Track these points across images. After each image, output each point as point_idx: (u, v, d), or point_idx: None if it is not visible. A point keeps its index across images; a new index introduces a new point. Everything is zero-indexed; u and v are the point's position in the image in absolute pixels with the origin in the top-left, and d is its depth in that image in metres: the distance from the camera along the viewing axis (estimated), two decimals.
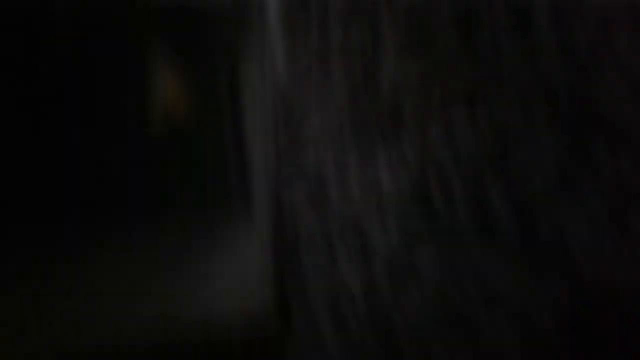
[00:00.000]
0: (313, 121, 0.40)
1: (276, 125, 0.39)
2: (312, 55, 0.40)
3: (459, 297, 0.32)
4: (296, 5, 0.39)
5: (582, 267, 0.28)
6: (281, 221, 0.38)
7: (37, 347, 0.31)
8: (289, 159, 0.38)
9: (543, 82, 0.29)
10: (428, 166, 0.33)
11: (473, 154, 0.31)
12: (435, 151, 0.33)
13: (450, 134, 0.32)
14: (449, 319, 0.32)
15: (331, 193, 0.38)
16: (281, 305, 0.37)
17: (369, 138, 0.36)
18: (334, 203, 0.38)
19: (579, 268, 0.28)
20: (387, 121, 0.35)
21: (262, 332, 0.36)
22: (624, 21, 0.25)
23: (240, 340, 0.37)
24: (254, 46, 0.36)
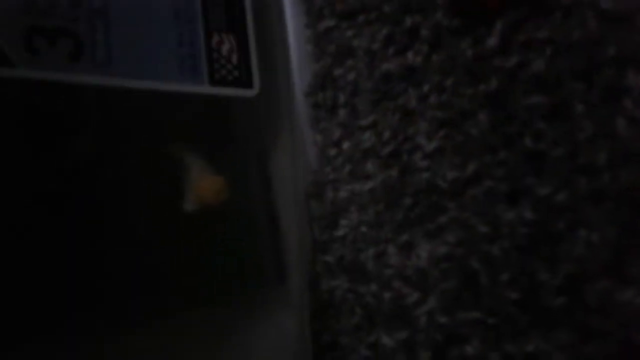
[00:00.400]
0: (343, 195, 0.41)
1: (308, 198, 0.41)
2: (342, 134, 0.41)
3: None
4: (324, 84, 0.40)
5: (631, 333, 0.28)
6: (316, 284, 0.38)
7: None
8: (322, 227, 0.39)
9: (582, 163, 0.30)
10: (471, 246, 0.34)
11: (518, 234, 0.32)
12: (478, 234, 0.33)
13: (492, 218, 0.33)
14: None
15: (367, 261, 0.39)
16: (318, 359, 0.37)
17: (408, 223, 0.37)
18: (370, 269, 0.38)
19: (623, 332, 0.28)
20: (425, 206, 0.36)
21: None
22: None
23: None
24: (283, 128, 0.38)
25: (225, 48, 0.42)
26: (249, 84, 0.42)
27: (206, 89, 0.41)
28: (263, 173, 0.44)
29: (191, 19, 0.41)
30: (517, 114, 0.32)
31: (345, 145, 0.42)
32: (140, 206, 0.42)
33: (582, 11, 0.31)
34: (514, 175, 0.32)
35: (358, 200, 0.41)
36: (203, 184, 0.42)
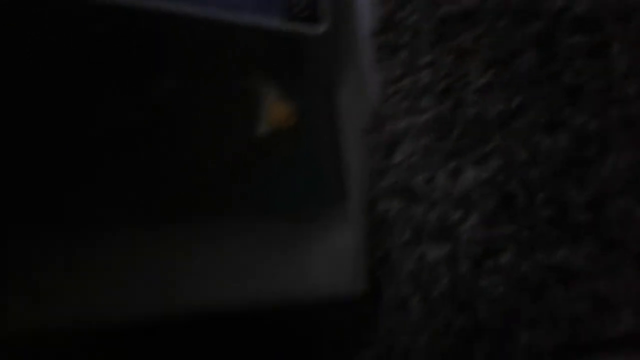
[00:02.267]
0: (400, 127, 0.45)
1: (369, 130, 0.45)
2: (403, 73, 0.45)
3: (535, 275, 0.36)
4: (388, 27, 0.44)
5: None
6: (372, 206, 0.43)
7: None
8: (380, 156, 0.43)
9: (615, 95, 0.33)
10: (511, 171, 0.38)
11: (553, 160, 0.36)
12: (519, 161, 0.37)
13: (532, 146, 0.37)
14: (527, 297, 0.36)
15: (418, 185, 0.43)
16: (371, 274, 0.41)
17: (456, 152, 0.41)
18: (420, 192, 0.42)
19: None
20: (473, 137, 0.40)
21: (355, 295, 0.41)
22: None
23: (336, 302, 0.42)
24: (348, 64, 0.41)
25: None
26: (319, 22, 0.46)
27: (281, 24, 0.45)
28: (330, 104, 0.48)
29: None
30: (560, 52, 0.36)
31: (405, 82, 0.46)
32: (220, 129, 0.47)
33: None
34: (553, 108, 0.35)
35: (413, 132, 0.45)
36: (275, 110, 0.47)
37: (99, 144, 0.42)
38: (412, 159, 0.45)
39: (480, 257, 0.39)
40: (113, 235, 0.44)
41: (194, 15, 0.43)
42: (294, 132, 0.48)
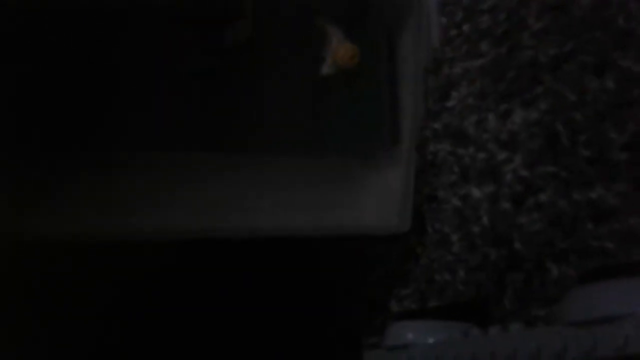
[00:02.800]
0: (457, 71, 0.46)
1: (427, 73, 0.47)
2: (464, 17, 0.46)
3: (570, 212, 0.37)
4: None
5: None
6: (423, 147, 0.44)
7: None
8: (435, 98, 0.45)
9: None
10: (559, 112, 0.39)
11: (599, 102, 0.37)
12: (567, 102, 0.38)
13: (580, 88, 0.38)
14: (561, 232, 0.38)
15: (469, 127, 0.45)
16: (417, 210, 0.43)
17: (508, 94, 0.42)
18: (471, 134, 0.44)
19: None
20: (526, 79, 0.41)
21: (402, 231, 0.43)
22: None
23: (385, 236, 0.44)
24: (411, 7, 0.42)
25: None
26: None
27: None
28: (391, 47, 0.50)
29: None
30: None
31: (466, 26, 0.47)
32: (288, 68, 0.50)
33: None
34: (603, 51, 0.36)
35: (469, 76, 0.46)
36: (340, 51, 0.49)
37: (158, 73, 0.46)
38: (465, 102, 0.46)
39: (521, 196, 0.41)
40: (176, 159, 0.47)
41: None
42: (356, 72, 0.50)
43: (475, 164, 0.45)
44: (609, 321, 0.27)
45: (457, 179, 0.46)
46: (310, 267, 0.55)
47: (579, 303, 0.29)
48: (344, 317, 0.52)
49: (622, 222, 0.34)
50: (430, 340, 0.37)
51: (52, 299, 0.44)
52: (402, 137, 0.51)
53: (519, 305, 0.39)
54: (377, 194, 0.51)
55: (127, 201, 0.44)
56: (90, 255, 0.45)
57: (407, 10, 0.49)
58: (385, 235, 0.50)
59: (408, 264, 0.49)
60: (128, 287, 0.45)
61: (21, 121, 0.42)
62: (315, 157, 0.51)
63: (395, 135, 0.51)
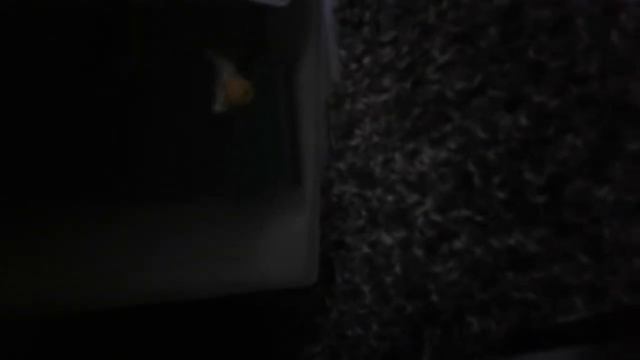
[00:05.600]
0: (360, 107, 0.43)
1: (328, 109, 0.43)
2: (364, 50, 0.43)
3: (488, 260, 0.34)
4: (351, 2, 0.43)
5: (603, 229, 0.30)
6: (328, 189, 0.41)
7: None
8: (338, 136, 0.42)
9: (578, 76, 0.32)
10: (469, 151, 0.36)
11: (512, 139, 0.34)
12: (477, 140, 0.36)
13: (491, 125, 0.35)
14: (480, 282, 0.35)
15: (375, 168, 0.41)
16: (324, 258, 0.40)
17: (415, 132, 0.39)
18: (377, 175, 0.41)
19: (600, 229, 0.30)
20: (432, 116, 0.39)
21: (307, 281, 0.40)
22: None
23: (290, 288, 0.40)
24: (309, 40, 0.40)
25: None
26: None
27: None
28: (289, 82, 0.47)
29: None
30: (525, 27, 0.34)
31: (366, 60, 0.44)
32: (176, 105, 0.45)
33: None
34: (515, 85, 0.34)
35: (372, 112, 0.43)
36: (232, 86, 0.45)
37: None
38: (370, 140, 0.43)
39: (434, 242, 0.38)
40: (62, 216, 0.42)
41: None
42: (253, 109, 0.46)
43: (383, 207, 0.41)
44: None
45: (365, 223, 0.42)
46: (213, 327, 0.50)
47: None
48: None
49: (545, 270, 0.31)
50: None
51: None
52: (304, 178, 0.47)
53: None
54: (281, 242, 0.47)
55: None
56: None
57: (303, 44, 0.46)
58: (291, 286, 0.46)
59: (318, 318, 0.45)
60: None
61: None
62: (213, 204, 0.46)
63: (298, 176, 0.47)
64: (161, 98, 0.44)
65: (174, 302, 0.43)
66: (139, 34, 0.44)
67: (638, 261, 0.28)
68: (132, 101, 0.43)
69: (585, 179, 0.30)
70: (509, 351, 0.31)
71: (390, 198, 0.41)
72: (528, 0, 0.34)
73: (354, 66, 0.45)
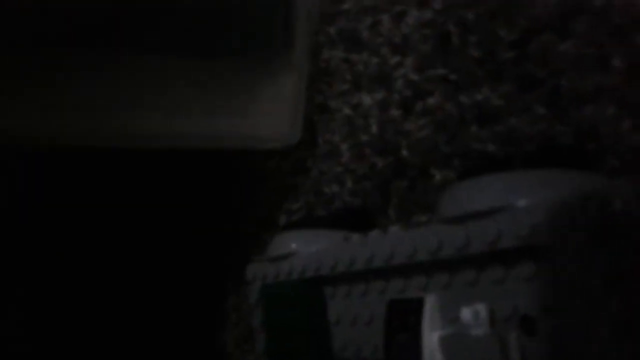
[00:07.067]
0: None
1: None
2: None
3: (457, 115, 0.36)
4: None
5: (561, 81, 0.32)
6: (316, 54, 0.43)
7: None
8: (330, 1, 0.43)
9: None
10: (451, 12, 0.37)
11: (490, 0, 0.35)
12: (459, 2, 0.37)
13: None
14: (446, 137, 0.37)
15: (363, 32, 0.42)
16: (307, 122, 0.42)
17: None
18: (364, 39, 0.42)
19: (558, 81, 0.32)
20: None
21: (292, 139, 0.42)
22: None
23: (275, 147, 0.43)
24: None
25: None
26: None
27: None
28: None
29: None
30: None
31: None
32: None
33: None
34: None
35: None
36: None
37: None
38: (361, 3, 0.44)
39: (410, 101, 0.39)
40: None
41: None
42: None
43: (367, 70, 0.43)
44: (483, 216, 0.26)
45: (349, 87, 0.44)
46: (198, 181, 0.52)
47: (455, 199, 0.28)
48: (232, 233, 0.51)
49: (504, 123, 0.33)
50: (313, 249, 0.36)
51: None
52: (295, 42, 0.48)
53: (402, 212, 0.38)
54: (268, 103, 0.48)
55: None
56: None
57: None
58: (276, 148, 0.48)
59: (298, 177, 0.47)
60: None
61: None
62: (205, 59, 0.47)
63: (288, 40, 0.48)
64: None
65: (161, 155, 0.46)
66: None
67: (587, 109, 0.30)
68: None
69: (551, 34, 0.32)
70: None
71: (374, 60, 0.42)
72: None
73: None
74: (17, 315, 0.47)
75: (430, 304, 0.28)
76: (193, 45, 0.46)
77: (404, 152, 0.39)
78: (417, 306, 0.28)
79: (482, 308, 0.26)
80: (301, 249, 0.37)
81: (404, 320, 0.29)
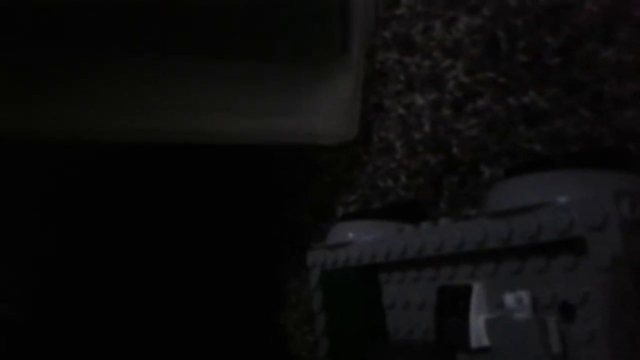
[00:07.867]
0: None
1: None
2: None
3: (505, 116, 0.39)
4: None
5: (603, 86, 0.34)
6: (372, 55, 0.45)
7: None
8: (386, 6, 0.45)
9: None
10: (500, 18, 0.39)
11: (538, 7, 0.37)
12: (508, 8, 0.39)
13: None
14: (495, 136, 0.39)
15: (416, 36, 0.45)
16: (364, 120, 0.44)
17: (455, 0, 0.42)
18: (417, 42, 0.45)
19: (601, 87, 0.34)
20: None
21: (349, 136, 0.44)
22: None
23: (331, 144, 0.45)
24: None
25: None
26: None
27: None
28: None
29: None
30: None
31: None
32: None
33: None
34: None
35: None
36: None
37: None
38: (414, 9, 0.46)
39: (461, 102, 0.42)
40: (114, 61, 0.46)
41: None
42: None
43: (420, 72, 0.45)
44: (525, 211, 0.29)
45: (403, 87, 0.47)
46: (260, 174, 0.56)
47: (500, 195, 0.31)
48: (292, 222, 0.54)
49: (550, 124, 0.35)
50: (369, 238, 0.39)
51: None
52: (352, 45, 0.51)
53: (453, 206, 0.41)
54: (326, 102, 0.52)
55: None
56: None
57: None
58: (333, 144, 0.51)
59: (354, 171, 0.50)
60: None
61: None
62: (265, 63, 0.51)
63: (346, 43, 0.51)
64: None
65: (222, 149, 0.49)
66: None
67: (628, 112, 0.32)
68: None
69: (594, 42, 0.34)
70: None
71: (426, 63, 0.45)
72: None
73: None
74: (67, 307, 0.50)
75: (477, 290, 0.31)
76: (255, 50, 0.50)
77: (455, 150, 0.41)
78: (465, 292, 0.31)
79: (525, 295, 0.29)
80: (358, 238, 0.40)
81: (453, 304, 0.32)
